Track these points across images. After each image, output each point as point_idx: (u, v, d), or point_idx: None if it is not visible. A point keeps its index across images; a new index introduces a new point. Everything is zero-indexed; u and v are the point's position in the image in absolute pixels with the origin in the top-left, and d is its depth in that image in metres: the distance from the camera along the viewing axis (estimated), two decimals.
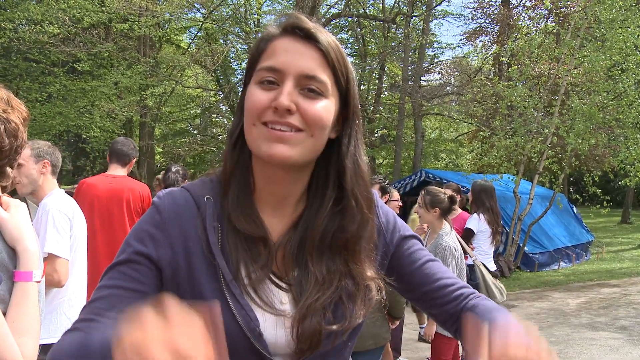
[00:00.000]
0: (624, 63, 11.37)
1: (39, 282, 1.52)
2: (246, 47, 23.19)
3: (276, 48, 1.06)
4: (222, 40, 23.69)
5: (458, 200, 5.14)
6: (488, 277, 4.85)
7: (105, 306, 1.05)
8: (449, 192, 4.66)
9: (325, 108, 1.06)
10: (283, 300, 1.11)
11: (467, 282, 4.68)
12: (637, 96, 11.15)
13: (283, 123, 1.02)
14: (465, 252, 4.87)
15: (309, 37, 1.06)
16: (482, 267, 4.90)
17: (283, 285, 1.11)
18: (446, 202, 4.46)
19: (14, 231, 1.50)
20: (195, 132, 26.21)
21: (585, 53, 11.85)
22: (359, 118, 1.17)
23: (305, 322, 1.06)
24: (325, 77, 1.06)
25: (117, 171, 4.82)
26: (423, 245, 1.31)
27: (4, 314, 1.42)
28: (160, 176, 5.61)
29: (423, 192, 4.55)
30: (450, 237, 4.36)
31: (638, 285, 11.51)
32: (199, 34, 23.36)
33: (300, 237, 1.14)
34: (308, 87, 1.04)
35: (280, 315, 1.09)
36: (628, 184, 12.04)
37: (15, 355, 1.37)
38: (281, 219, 1.16)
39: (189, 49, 24.05)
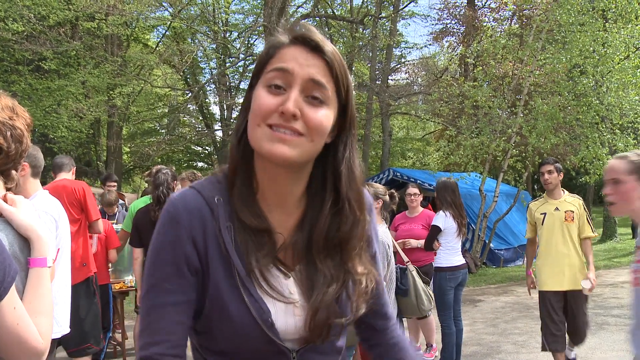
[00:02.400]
0: (583, 65, 11.75)
1: (50, 267, 1.62)
2: (214, 47, 23.18)
3: (285, 55, 1.13)
4: (190, 40, 23.61)
5: (397, 198, 5.36)
6: (419, 282, 5.01)
7: (171, 328, 1.14)
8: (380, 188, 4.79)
9: (326, 116, 1.14)
10: (291, 290, 1.21)
11: (397, 285, 4.84)
12: (594, 97, 11.53)
13: (287, 127, 1.09)
14: (395, 254, 5.00)
15: (316, 49, 1.13)
16: (414, 272, 5.05)
17: (290, 274, 1.22)
18: (387, 196, 4.64)
19: (25, 221, 1.57)
20: (164, 131, 26.06)
21: (547, 55, 12.20)
22: (354, 127, 1.25)
23: (318, 315, 1.18)
24: (329, 85, 1.14)
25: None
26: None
27: (20, 299, 1.51)
28: (147, 173, 5.70)
29: (366, 186, 4.67)
30: (385, 234, 4.52)
31: (597, 279, 11.85)
32: (167, 33, 23.24)
33: (307, 237, 1.23)
34: (312, 95, 1.12)
35: (289, 304, 1.20)
36: (588, 181, 12.44)
37: (33, 335, 1.47)
38: (286, 217, 1.25)
39: (157, 48, 23.91)
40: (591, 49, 11.41)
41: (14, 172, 1.72)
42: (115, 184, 8.98)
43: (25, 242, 1.58)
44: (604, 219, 20.39)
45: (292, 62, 1.12)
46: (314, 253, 1.23)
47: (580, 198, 5.62)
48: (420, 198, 6.68)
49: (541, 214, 5.48)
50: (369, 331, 1.46)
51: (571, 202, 5.43)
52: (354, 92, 1.23)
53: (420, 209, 6.62)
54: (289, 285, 1.21)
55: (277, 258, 1.21)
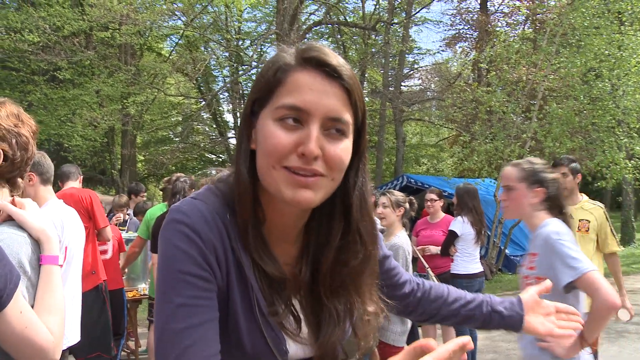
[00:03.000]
0: (599, 69, 11.63)
1: (61, 266, 1.63)
2: (227, 55, 23.27)
3: (299, 84, 1.01)
4: (203, 48, 23.73)
5: (416, 205, 5.31)
6: None
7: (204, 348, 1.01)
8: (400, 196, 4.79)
9: (347, 149, 1.04)
10: (303, 329, 1.14)
11: None
12: (610, 101, 11.41)
13: (310, 171, 1.00)
14: (416, 260, 4.98)
15: (334, 74, 1.01)
16: (434, 279, 5.02)
17: (302, 317, 1.14)
18: (407, 203, 4.64)
19: (35, 224, 1.59)
20: (178, 139, 26.17)
21: (562, 59, 12.10)
22: (366, 151, 1.15)
23: (325, 356, 1.13)
24: (348, 116, 1.03)
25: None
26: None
27: (33, 299, 1.53)
28: (166, 180, 5.83)
29: (387, 194, 4.69)
30: (406, 240, 4.49)
31: (615, 285, 11.69)
32: (180, 41, 23.39)
33: (311, 269, 1.16)
34: (334, 128, 1.02)
35: (302, 344, 1.14)
36: (605, 185, 12.29)
37: (42, 335, 1.48)
38: (289, 247, 1.17)
39: (170, 57, 24.06)
40: (607, 52, 11.29)
41: (19, 179, 1.73)
42: (145, 193, 9.52)
43: (36, 243, 1.59)
44: (622, 224, 20.16)
45: (309, 96, 0.99)
46: (321, 288, 1.14)
47: (602, 206, 4.72)
48: (440, 203, 6.56)
49: None
50: (399, 304, 1.43)
51: (589, 209, 4.60)
52: (366, 99, 1.17)
53: (442, 214, 6.51)
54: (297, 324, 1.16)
55: (294, 306, 1.16)
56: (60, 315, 1.59)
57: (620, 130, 11.78)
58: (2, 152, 1.61)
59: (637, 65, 11.34)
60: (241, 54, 22.91)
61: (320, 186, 1.02)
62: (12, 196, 1.69)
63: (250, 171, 1.08)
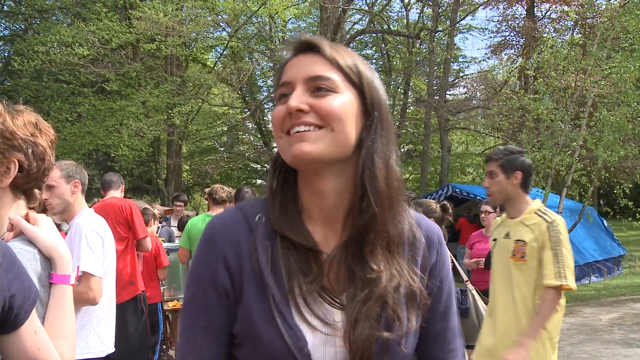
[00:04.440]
0: None
1: (73, 285, 1.58)
2: (272, 65, 23.44)
3: (287, 67, 1.13)
4: (247, 58, 23.94)
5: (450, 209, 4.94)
6: (480, 302, 4.74)
7: (201, 352, 1.14)
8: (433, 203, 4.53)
9: (339, 101, 1.08)
10: (336, 319, 1.10)
11: (458, 305, 4.56)
12: None
13: (300, 123, 1.06)
14: (458, 275, 4.76)
15: (313, 49, 1.12)
16: (474, 291, 4.79)
17: (336, 302, 1.10)
18: (439, 211, 4.39)
19: (47, 241, 1.55)
20: (222, 149, 26.43)
21: (613, 64, 11.71)
22: (382, 112, 1.15)
23: (357, 328, 1.06)
24: (333, 74, 1.09)
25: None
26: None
27: (42, 318, 1.48)
28: (207, 190, 5.98)
29: (414, 205, 4.45)
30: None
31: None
32: (224, 52, 23.66)
33: (343, 246, 1.13)
34: (317, 87, 1.08)
35: (330, 335, 1.09)
36: None
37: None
38: (333, 234, 1.15)
39: (215, 68, 24.35)
40: None
41: (37, 191, 1.68)
42: (183, 203, 9.59)
43: (47, 261, 1.55)
44: None
45: (291, 71, 1.11)
46: (351, 262, 1.12)
47: (553, 218, 3.27)
48: (495, 215, 6.31)
49: (493, 239, 3.63)
50: None
51: (531, 225, 3.29)
52: (368, 76, 1.14)
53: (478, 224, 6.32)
54: (334, 314, 1.10)
55: (325, 288, 1.10)
56: (73, 339, 1.55)
57: None
58: (17, 163, 1.55)
59: None
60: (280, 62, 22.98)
61: (317, 138, 1.06)
62: (29, 208, 1.65)
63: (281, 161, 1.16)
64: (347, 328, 1.07)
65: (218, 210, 5.66)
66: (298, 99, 1.06)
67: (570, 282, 3.10)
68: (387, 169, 1.11)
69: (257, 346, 1.08)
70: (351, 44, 21.98)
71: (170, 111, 18.02)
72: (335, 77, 1.09)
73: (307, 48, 1.13)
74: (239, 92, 24.07)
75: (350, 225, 1.12)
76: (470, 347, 5.48)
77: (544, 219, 3.25)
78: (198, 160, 26.30)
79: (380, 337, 1.07)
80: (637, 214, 12.16)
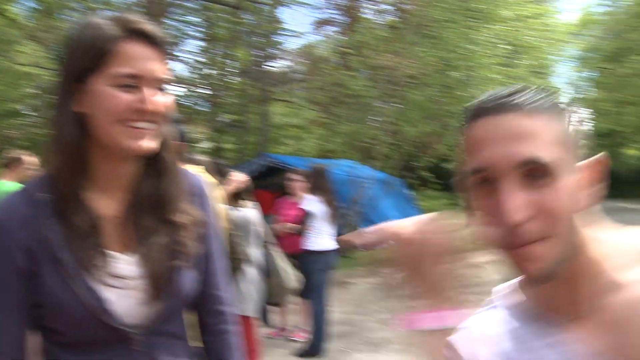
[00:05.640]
0: (453, 60, 12.39)
1: None
2: None
3: (132, 54, 1.17)
4: (61, 15, 22.25)
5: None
6: (283, 263, 5.06)
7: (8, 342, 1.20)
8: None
9: (168, 99, 1.25)
10: (131, 273, 1.23)
11: (263, 266, 4.84)
12: (462, 91, 12.21)
13: (145, 120, 1.17)
14: (264, 238, 5.04)
15: (157, 44, 1.20)
16: (278, 253, 5.10)
17: (126, 256, 1.24)
18: (241, 184, 4.59)
19: None
20: (35, 113, 24.41)
21: (421, 49, 12.73)
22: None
23: (154, 265, 1.23)
24: (167, 75, 1.23)
25: None
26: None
27: None
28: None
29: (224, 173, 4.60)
30: (252, 213, 4.54)
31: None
32: (36, 7, 21.73)
33: (132, 206, 1.28)
34: (160, 86, 1.20)
35: (127, 288, 1.22)
36: (450, 167, 13.21)
37: None
38: (120, 197, 1.28)
39: (22, 22, 22.31)
40: (458, 45, 12.04)
41: None
42: None
43: None
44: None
45: (142, 64, 1.16)
46: (141, 217, 1.27)
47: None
48: (302, 184, 6.62)
49: None
50: (205, 333, 1.45)
51: None
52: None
53: (304, 194, 6.58)
54: (127, 269, 1.23)
55: (113, 246, 1.23)
56: None
57: None
58: None
59: (484, 58, 12.20)
60: None
61: (156, 135, 1.21)
62: None
63: (76, 132, 1.19)
64: (143, 270, 1.22)
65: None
66: (151, 100, 1.18)
67: None
68: (169, 142, 1.31)
69: (63, 315, 1.17)
70: (174, 9, 21.35)
71: None
72: (165, 75, 1.24)
73: (148, 38, 1.19)
74: (52, 51, 22.36)
75: (138, 189, 1.28)
76: (275, 304, 5.82)
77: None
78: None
79: (172, 267, 1.25)
80: (436, 185, 13.47)
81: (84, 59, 1.16)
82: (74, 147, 1.19)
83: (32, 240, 1.17)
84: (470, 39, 12.05)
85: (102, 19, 1.18)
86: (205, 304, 1.40)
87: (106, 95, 1.15)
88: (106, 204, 1.25)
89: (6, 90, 21.36)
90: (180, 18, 24.44)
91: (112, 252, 1.22)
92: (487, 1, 12.23)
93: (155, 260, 1.23)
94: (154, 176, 1.29)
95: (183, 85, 24.63)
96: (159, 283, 1.22)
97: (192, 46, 39.02)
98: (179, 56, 25.28)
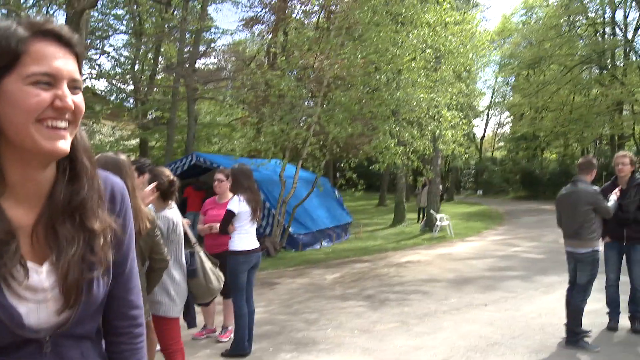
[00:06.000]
0: (377, 62, 12.64)
1: None
2: (13, 15, 21.14)
3: (45, 53, 1.17)
4: None
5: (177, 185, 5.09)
6: (207, 264, 5.09)
7: None
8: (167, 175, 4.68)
9: (83, 99, 1.24)
10: (45, 284, 1.22)
11: (187, 267, 4.85)
12: (387, 94, 12.47)
13: (62, 119, 1.17)
14: (188, 239, 5.03)
15: (69, 44, 1.21)
16: (201, 253, 5.10)
17: (40, 267, 1.23)
18: (166, 182, 4.57)
19: None
20: None
21: (346, 50, 12.94)
22: None
23: (69, 276, 1.21)
24: (79, 75, 1.23)
25: None
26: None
27: None
28: None
29: (148, 172, 4.56)
30: (174, 213, 4.54)
31: (385, 260, 12.93)
32: None
33: (47, 214, 1.25)
34: (74, 86, 1.20)
35: (42, 301, 1.22)
36: (377, 169, 13.45)
37: None
38: (35, 205, 1.26)
39: None
40: (384, 48, 12.29)
41: None
42: None
43: None
44: (395, 205, 22.17)
45: (55, 63, 1.17)
46: (56, 225, 1.25)
47: None
48: (228, 184, 6.61)
49: None
50: (112, 334, 1.46)
51: None
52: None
53: (230, 194, 6.55)
54: (42, 281, 1.22)
55: (26, 258, 1.21)
56: None
57: (394, 119, 12.96)
58: None
59: (408, 62, 12.51)
60: (20, 13, 20.89)
61: (70, 135, 1.20)
62: None
63: None
64: (59, 281, 1.22)
65: None
66: (69, 98, 1.17)
67: None
68: (85, 146, 1.31)
69: None
70: (100, 1, 20.75)
71: None
72: (80, 77, 1.24)
73: (59, 39, 1.20)
74: None
75: (54, 196, 1.26)
76: (200, 304, 5.80)
77: None
78: None
79: (87, 278, 1.26)
80: (359, 185, 13.73)
81: None
82: None
83: None
84: (396, 42, 12.32)
85: (10, 22, 1.18)
86: (114, 307, 1.42)
87: (22, 93, 1.13)
88: (21, 212, 1.22)
89: None
90: (107, 11, 23.90)
91: (27, 262, 1.20)
92: (412, 7, 12.53)
93: (69, 270, 1.22)
94: (70, 181, 1.27)
95: (108, 80, 24.01)
96: (73, 293, 1.23)
97: (118, 40, 38.16)
98: (105, 51, 24.71)
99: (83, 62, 1.25)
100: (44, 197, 1.26)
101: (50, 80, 1.15)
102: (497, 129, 58.14)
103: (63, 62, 1.17)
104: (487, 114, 53.03)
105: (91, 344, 1.36)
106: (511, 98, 46.96)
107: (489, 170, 49.26)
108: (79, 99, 1.20)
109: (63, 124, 1.16)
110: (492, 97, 52.37)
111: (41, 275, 1.22)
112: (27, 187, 1.22)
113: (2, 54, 1.14)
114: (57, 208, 1.25)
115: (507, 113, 51.44)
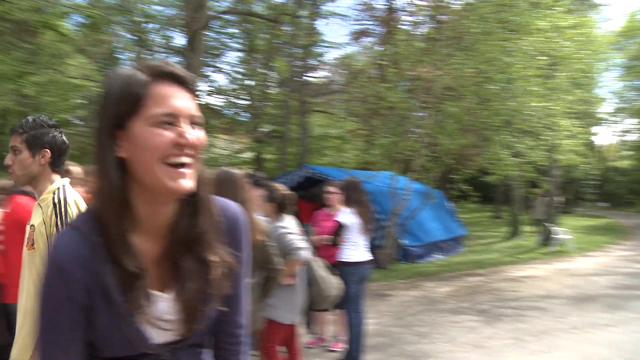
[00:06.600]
0: (488, 71, 12.32)
1: None
2: (135, 38, 22.68)
3: (164, 95, 1.25)
4: (109, 30, 22.95)
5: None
6: (324, 271, 5.16)
7: None
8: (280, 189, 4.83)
9: (203, 133, 1.32)
10: (169, 313, 1.36)
11: (305, 277, 4.96)
12: (499, 103, 12.13)
13: (187, 155, 1.25)
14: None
15: (187, 85, 1.29)
16: (319, 262, 5.20)
17: (164, 295, 1.35)
18: (280, 198, 4.75)
19: None
20: (82, 123, 25.21)
21: (456, 60, 12.73)
22: None
23: (190, 306, 1.35)
24: (199, 111, 1.31)
25: None
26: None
27: None
28: None
29: (263, 186, 4.74)
30: (288, 222, 4.67)
31: (500, 274, 12.57)
32: (84, 21, 22.49)
33: (170, 246, 1.36)
34: (195, 122, 1.28)
35: (166, 327, 1.35)
36: (490, 180, 13.11)
37: None
38: (160, 238, 1.36)
39: (72, 37, 23.09)
40: (494, 56, 11.98)
41: None
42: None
43: None
44: (511, 218, 21.46)
45: (175, 103, 1.25)
46: (178, 257, 1.35)
47: (69, 197, 2.68)
48: (338, 196, 6.72)
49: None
50: (217, 348, 1.55)
51: (43, 206, 2.65)
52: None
53: (340, 207, 6.66)
54: (167, 308, 1.35)
55: (155, 286, 1.34)
56: None
57: (507, 129, 12.59)
58: None
59: (521, 70, 12.11)
60: (143, 37, 22.35)
61: (194, 171, 1.28)
62: None
63: (120, 177, 1.26)
64: (181, 310, 1.35)
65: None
66: (192, 134, 1.26)
67: None
68: (205, 180, 1.37)
69: (109, 347, 1.31)
70: (215, 23, 21.78)
71: (19, 80, 16.87)
72: (200, 113, 1.32)
73: (178, 80, 1.28)
74: (99, 64, 23.07)
75: (176, 229, 1.35)
76: (317, 310, 5.94)
77: (54, 197, 2.64)
78: None
79: (205, 307, 1.38)
80: (474, 198, 13.44)
81: (120, 105, 1.24)
82: (119, 192, 1.26)
83: (90, 281, 1.25)
84: (506, 50, 11.99)
85: (130, 68, 1.28)
86: (223, 326, 1.51)
87: (147, 134, 1.22)
88: (148, 245, 1.33)
89: (57, 102, 22.06)
90: (220, 30, 25.00)
91: (154, 292, 1.33)
92: (523, 13, 12.15)
93: (190, 301, 1.34)
94: (190, 215, 1.35)
95: (223, 96, 25.06)
96: (193, 321, 1.37)
97: (232, 58, 39.71)
98: (219, 67, 25.85)
99: (199, 81, 1.36)
100: (166, 229, 1.35)
101: (172, 120, 1.23)
102: (622, 136, 54.69)
103: (181, 100, 1.26)
104: (610, 121, 50.05)
105: (204, 350, 1.50)
106: (638, 103, 44.06)
107: (613, 180, 46.38)
108: (199, 134, 1.28)
109: (186, 159, 1.24)
110: (615, 102, 49.41)
111: (166, 303, 1.35)
112: (153, 222, 1.32)
113: (127, 100, 1.24)
114: (179, 241, 1.34)
115: (634, 119, 48.19)
